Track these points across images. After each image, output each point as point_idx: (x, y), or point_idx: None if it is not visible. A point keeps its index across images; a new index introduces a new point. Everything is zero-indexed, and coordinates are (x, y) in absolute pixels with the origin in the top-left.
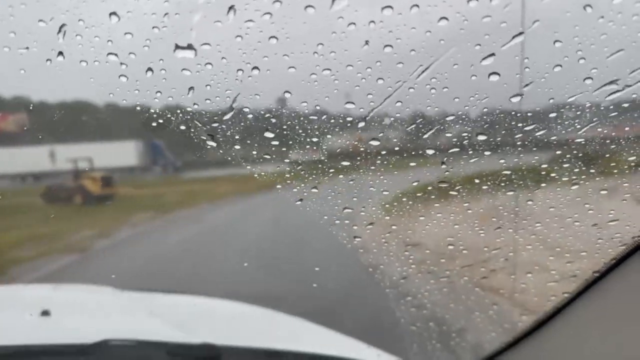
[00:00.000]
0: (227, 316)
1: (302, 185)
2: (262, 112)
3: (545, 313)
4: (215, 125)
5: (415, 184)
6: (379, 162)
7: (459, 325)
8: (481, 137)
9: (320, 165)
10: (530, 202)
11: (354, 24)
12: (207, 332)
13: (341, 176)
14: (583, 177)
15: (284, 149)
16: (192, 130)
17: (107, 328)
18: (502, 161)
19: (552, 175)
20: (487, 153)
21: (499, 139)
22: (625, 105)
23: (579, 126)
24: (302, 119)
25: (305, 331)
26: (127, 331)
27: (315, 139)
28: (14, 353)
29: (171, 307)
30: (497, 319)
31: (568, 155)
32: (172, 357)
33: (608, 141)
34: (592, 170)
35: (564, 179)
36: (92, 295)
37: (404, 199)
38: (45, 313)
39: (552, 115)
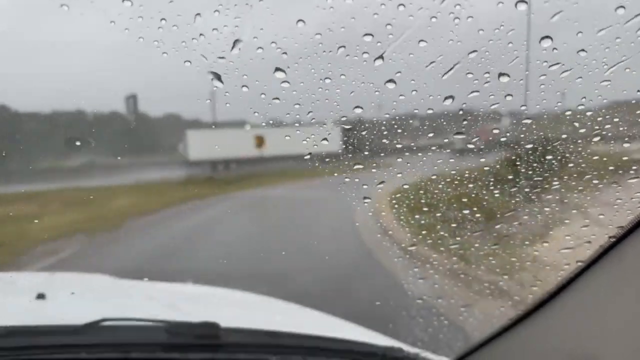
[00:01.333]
0: (225, 301)
1: None
2: None
3: (557, 284)
4: None
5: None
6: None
7: (467, 299)
8: (503, 80)
9: None
10: (549, 157)
11: None
12: (205, 315)
13: None
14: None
15: None
16: None
17: (102, 311)
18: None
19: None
20: (508, 98)
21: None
22: None
23: None
24: None
25: (304, 316)
26: (124, 313)
27: None
28: (8, 333)
29: (169, 292)
30: (508, 291)
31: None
32: (171, 335)
33: None
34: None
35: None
36: (88, 281)
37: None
38: (41, 296)
39: None
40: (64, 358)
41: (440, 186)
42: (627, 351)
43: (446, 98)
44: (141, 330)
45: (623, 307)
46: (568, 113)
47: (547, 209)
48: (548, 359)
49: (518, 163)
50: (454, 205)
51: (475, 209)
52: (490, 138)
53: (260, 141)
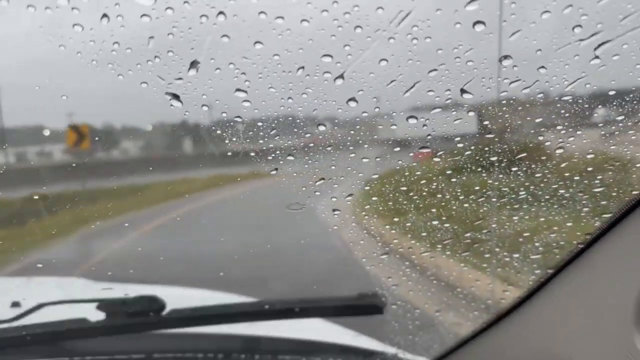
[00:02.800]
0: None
1: None
2: None
3: (528, 288)
4: None
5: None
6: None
7: (441, 304)
8: (467, 96)
9: None
10: (514, 168)
11: None
12: None
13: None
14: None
15: None
16: None
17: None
18: (485, 123)
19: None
20: (471, 114)
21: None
22: None
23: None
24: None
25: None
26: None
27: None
28: None
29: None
30: (480, 296)
31: None
32: (108, 314)
33: None
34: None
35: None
36: (63, 287)
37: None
38: (16, 304)
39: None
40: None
41: (410, 196)
42: (596, 353)
43: (409, 117)
44: (77, 308)
45: (591, 311)
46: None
47: (515, 217)
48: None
49: (484, 175)
50: (424, 215)
51: (444, 218)
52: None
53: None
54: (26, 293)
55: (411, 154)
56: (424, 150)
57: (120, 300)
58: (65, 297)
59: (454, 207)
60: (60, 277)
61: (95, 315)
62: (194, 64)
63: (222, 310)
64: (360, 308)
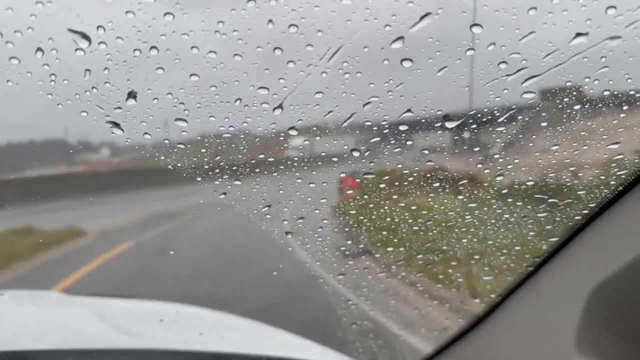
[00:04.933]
0: (178, 318)
1: None
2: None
3: (483, 309)
4: None
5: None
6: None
7: (401, 324)
8: (402, 127)
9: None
10: (460, 197)
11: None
12: (156, 335)
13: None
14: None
15: None
16: None
17: (49, 334)
18: (425, 152)
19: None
20: (409, 143)
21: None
22: None
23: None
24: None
25: (254, 331)
26: (71, 337)
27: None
28: None
29: (120, 310)
30: (437, 317)
31: None
32: None
33: None
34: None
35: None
36: (36, 301)
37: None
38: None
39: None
40: None
41: (360, 220)
42: None
43: (353, 150)
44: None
45: (538, 334)
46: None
47: (464, 240)
48: None
49: (430, 199)
50: (375, 237)
51: (395, 241)
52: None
53: None
54: None
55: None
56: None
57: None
58: (35, 311)
59: (404, 230)
60: (34, 291)
61: None
62: (131, 94)
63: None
64: None
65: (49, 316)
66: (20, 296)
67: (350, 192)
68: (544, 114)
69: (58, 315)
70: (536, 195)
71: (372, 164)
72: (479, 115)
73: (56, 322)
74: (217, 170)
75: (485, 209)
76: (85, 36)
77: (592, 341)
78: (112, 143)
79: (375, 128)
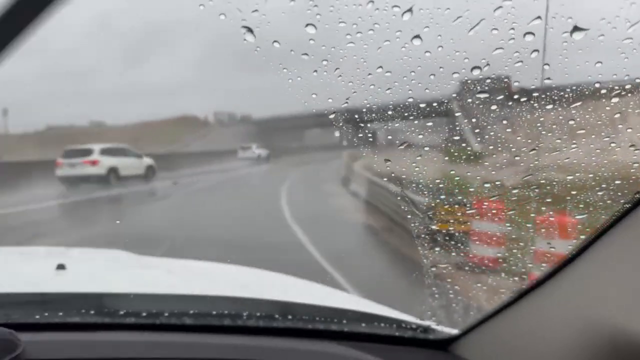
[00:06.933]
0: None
1: None
2: None
3: (565, 255)
4: None
5: None
6: None
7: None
8: None
9: None
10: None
11: None
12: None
13: None
14: None
15: None
16: None
17: (121, 281)
18: None
19: None
20: None
21: None
22: None
23: None
24: None
25: (313, 289)
26: (142, 284)
27: None
28: (28, 301)
29: (186, 268)
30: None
31: None
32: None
33: None
34: None
35: None
36: (106, 255)
37: None
38: (61, 267)
39: None
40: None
41: None
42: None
43: None
44: (154, 302)
45: (637, 272)
46: None
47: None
48: (564, 326)
49: None
50: None
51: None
52: None
53: None
54: (70, 258)
55: None
56: None
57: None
58: (108, 262)
59: None
60: (102, 249)
61: None
62: None
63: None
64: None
65: (121, 265)
66: (90, 252)
67: None
68: None
69: (129, 266)
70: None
71: None
72: None
73: (127, 270)
74: None
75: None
76: None
77: None
78: None
79: None
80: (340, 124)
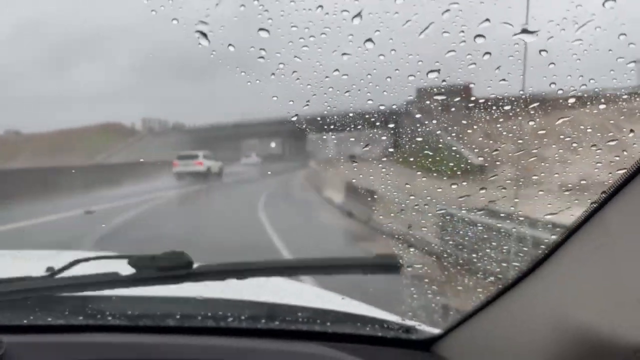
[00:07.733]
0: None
1: None
2: None
3: (538, 255)
4: None
5: None
6: None
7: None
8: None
9: None
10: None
11: None
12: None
13: None
14: None
15: None
16: None
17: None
18: None
19: None
20: None
21: None
22: None
23: None
24: None
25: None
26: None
27: None
28: (12, 303)
29: None
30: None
31: None
32: (139, 269)
33: None
34: None
35: None
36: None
37: None
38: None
39: None
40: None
41: None
42: (610, 309)
43: None
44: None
45: (608, 271)
46: None
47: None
48: (538, 325)
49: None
50: None
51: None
52: None
53: None
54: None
55: None
56: None
57: (150, 256)
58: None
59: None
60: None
61: (126, 270)
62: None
63: (250, 266)
64: (378, 267)
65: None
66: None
67: None
68: None
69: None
70: None
71: None
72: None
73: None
74: None
75: None
76: None
77: None
78: None
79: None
80: (304, 126)
